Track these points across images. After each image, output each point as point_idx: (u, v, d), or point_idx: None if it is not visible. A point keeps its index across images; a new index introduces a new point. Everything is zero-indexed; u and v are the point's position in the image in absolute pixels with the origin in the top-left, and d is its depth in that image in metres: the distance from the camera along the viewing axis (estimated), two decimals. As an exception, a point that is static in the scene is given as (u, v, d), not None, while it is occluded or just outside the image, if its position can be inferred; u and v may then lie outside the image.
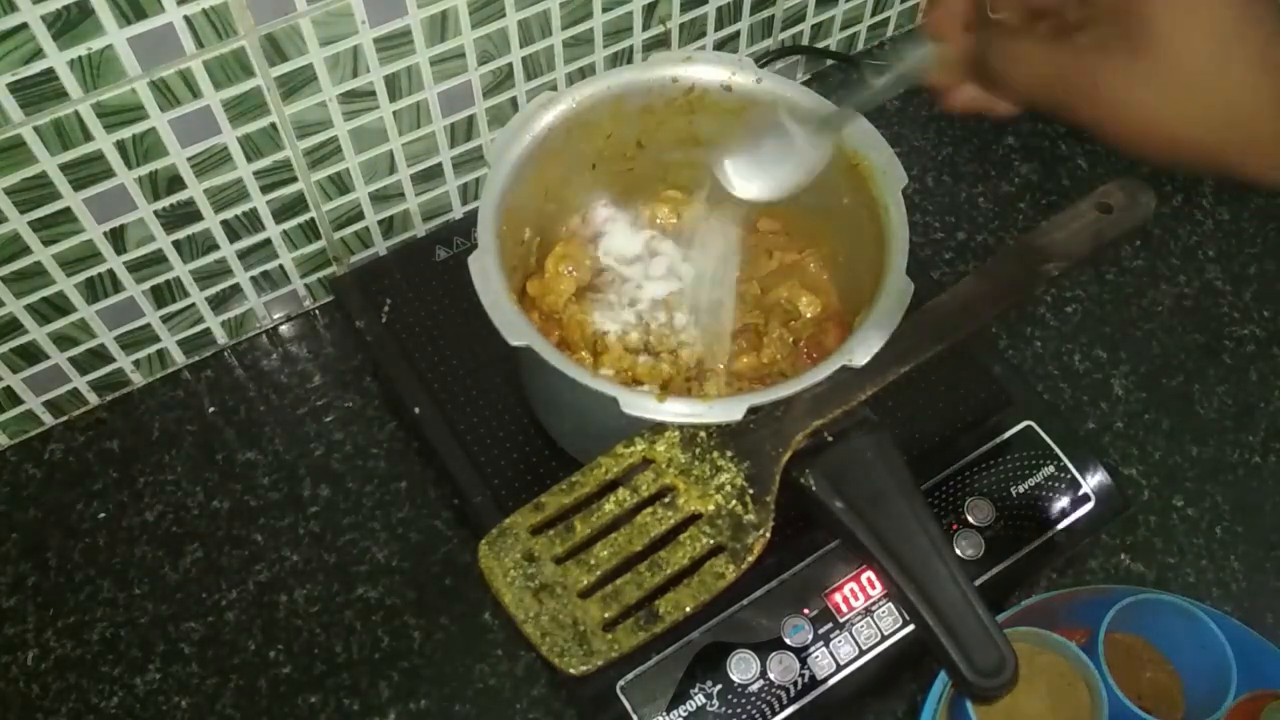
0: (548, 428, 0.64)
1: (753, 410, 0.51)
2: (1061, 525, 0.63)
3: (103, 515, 0.68)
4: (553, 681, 0.62)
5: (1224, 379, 0.75)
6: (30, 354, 0.66)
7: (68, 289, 0.64)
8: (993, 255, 0.73)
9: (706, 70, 0.60)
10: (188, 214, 0.64)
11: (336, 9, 0.59)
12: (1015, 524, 0.62)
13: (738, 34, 0.80)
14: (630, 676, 0.57)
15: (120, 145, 0.58)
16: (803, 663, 0.58)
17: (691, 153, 0.65)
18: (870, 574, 0.60)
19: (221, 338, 0.74)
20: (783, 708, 0.57)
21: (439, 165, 0.73)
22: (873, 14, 0.88)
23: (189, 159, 0.61)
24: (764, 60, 0.83)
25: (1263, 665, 0.59)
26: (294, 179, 0.67)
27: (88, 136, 0.57)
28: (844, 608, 0.59)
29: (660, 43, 0.75)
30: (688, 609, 0.48)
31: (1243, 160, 0.37)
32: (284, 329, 0.75)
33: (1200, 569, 0.68)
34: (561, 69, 0.72)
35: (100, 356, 0.69)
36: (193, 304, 0.70)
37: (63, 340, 0.66)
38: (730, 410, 0.50)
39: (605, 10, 0.70)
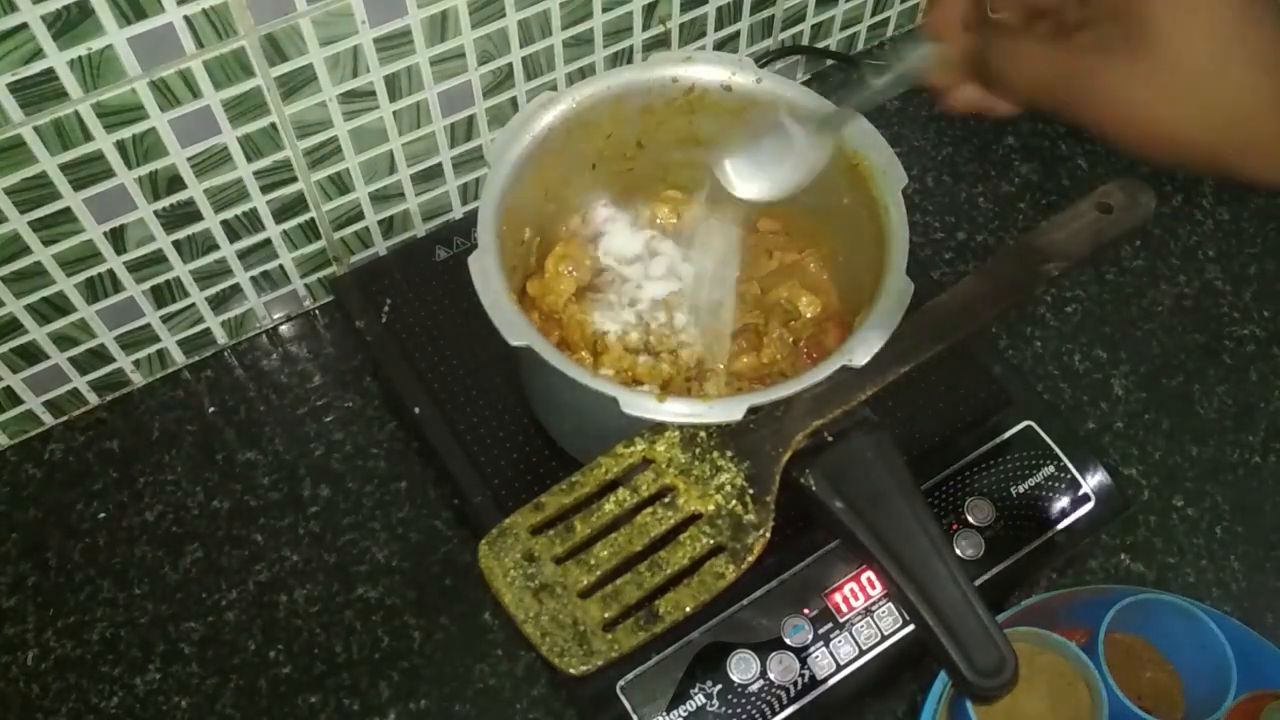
0: (548, 428, 0.64)
1: (753, 410, 0.51)
2: (1061, 525, 0.63)
3: (103, 515, 0.68)
4: (553, 681, 0.62)
5: (1224, 379, 0.75)
6: (30, 354, 0.66)
7: (68, 289, 0.64)
8: (993, 255, 0.73)
9: (706, 70, 0.60)
10: (188, 214, 0.64)
11: (336, 9, 0.59)
12: (1015, 524, 0.62)
13: (738, 34, 0.80)
14: (630, 676, 0.57)
15: (120, 145, 0.58)
16: (803, 663, 0.58)
17: (691, 153, 0.65)
18: (870, 574, 0.60)
19: (221, 338, 0.74)
20: (783, 708, 0.57)
21: (439, 165, 0.73)
22: (873, 14, 0.88)
23: (189, 159, 0.61)
24: (764, 60, 0.83)
25: (1263, 665, 0.59)
26: (294, 179, 0.67)
27: (88, 136, 0.57)
28: (844, 608, 0.59)
29: (660, 43, 0.75)
30: (688, 609, 0.48)
31: (1243, 161, 0.37)
32: (284, 329, 0.75)
33: (1200, 569, 0.68)
34: (561, 69, 0.72)
35: (100, 356, 0.69)
36: (193, 304, 0.70)
37: (63, 340, 0.66)
38: (730, 410, 0.50)
39: (605, 10, 0.70)
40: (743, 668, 0.58)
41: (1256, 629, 0.60)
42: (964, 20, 0.43)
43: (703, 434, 0.51)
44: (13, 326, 0.64)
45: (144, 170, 0.60)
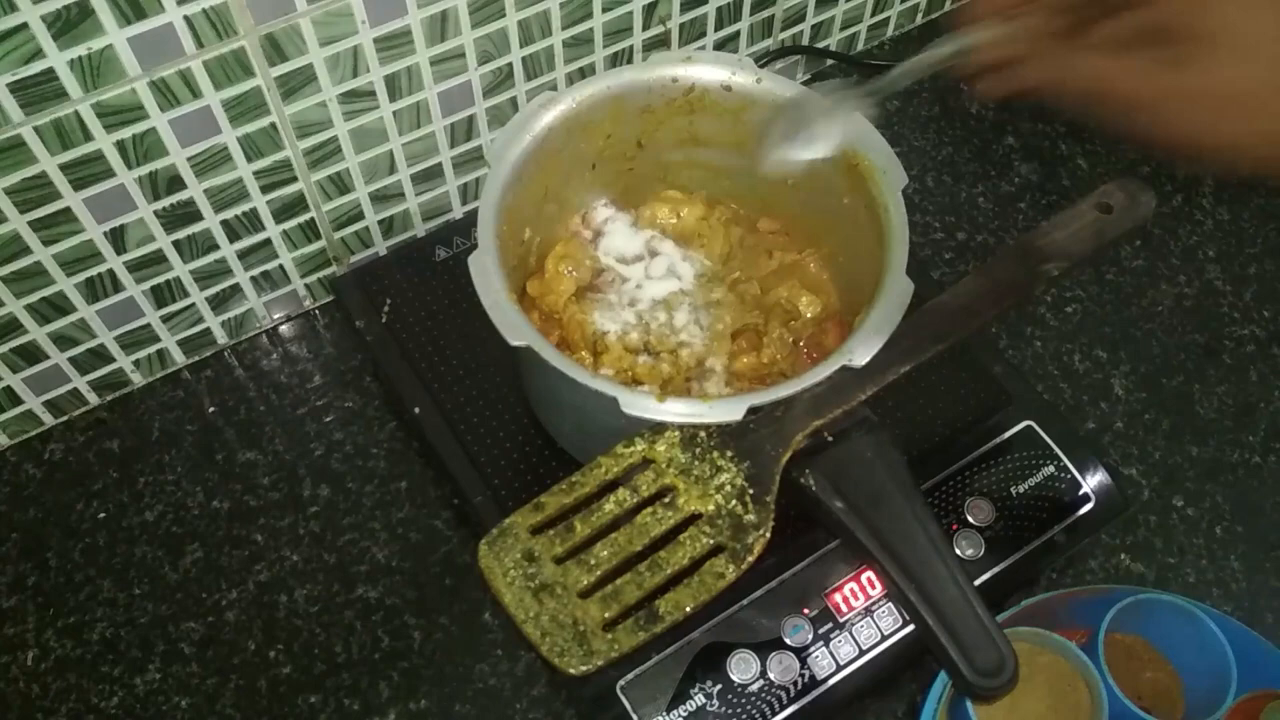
0: (548, 428, 0.64)
1: (753, 410, 0.51)
2: (1061, 525, 0.63)
3: (103, 515, 0.68)
4: (553, 681, 0.62)
5: (1224, 379, 0.75)
6: (30, 354, 0.66)
7: (68, 289, 0.64)
8: (993, 255, 0.73)
9: (706, 70, 0.60)
10: (188, 214, 0.64)
11: (336, 9, 0.59)
12: (1015, 524, 0.62)
13: (738, 34, 0.80)
14: (630, 676, 0.57)
15: (120, 145, 0.58)
16: (803, 663, 0.58)
17: (691, 153, 0.65)
18: (870, 574, 0.60)
19: (221, 338, 0.74)
20: (783, 708, 0.57)
21: (439, 165, 0.73)
22: (873, 14, 0.88)
23: (189, 159, 0.61)
24: (764, 60, 0.83)
25: (1263, 665, 0.59)
26: (294, 179, 0.67)
27: (88, 136, 0.57)
28: (844, 608, 0.59)
29: (660, 43, 0.75)
30: (688, 609, 0.48)
31: None
32: (284, 329, 0.75)
33: (1200, 569, 0.68)
34: (561, 69, 0.72)
35: (100, 356, 0.69)
36: (193, 304, 0.70)
37: (63, 340, 0.66)
38: (730, 410, 0.50)
39: (605, 10, 0.70)
40: (743, 668, 0.58)
41: (1256, 629, 0.60)
42: (1007, 5, 0.42)
43: (703, 434, 0.51)
44: (13, 326, 0.64)
45: (144, 170, 0.60)
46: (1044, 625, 0.59)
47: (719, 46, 0.80)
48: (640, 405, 0.50)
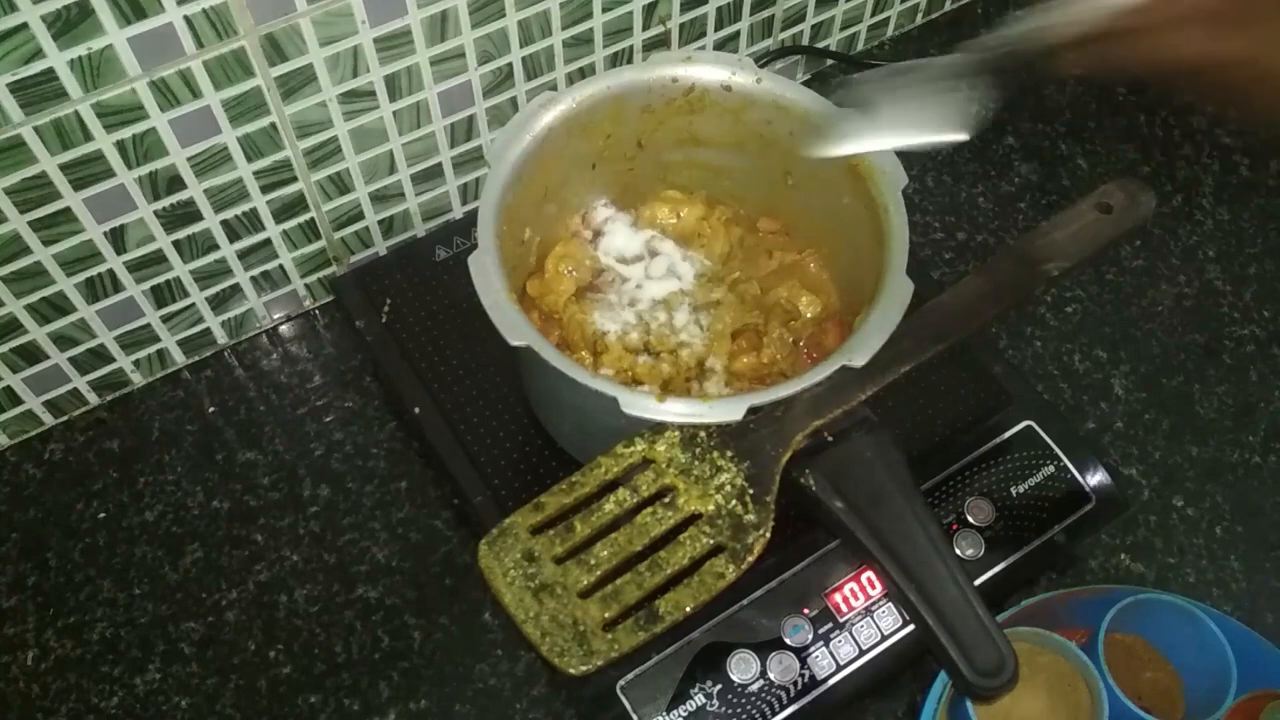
0: (548, 428, 0.64)
1: (753, 410, 0.51)
2: (1061, 525, 0.63)
3: (103, 515, 0.68)
4: (553, 681, 0.62)
5: (1224, 379, 0.75)
6: (30, 354, 0.66)
7: (68, 289, 0.64)
8: (993, 255, 0.73)
9: (706, 70, 0.60)
10: (188, 214, 0.64)
11: (336, 9, 0.59)
12: (1015, 524, 0.62)
13: (738, 34, 0.80)
14: (630, 676, 0.57)
15: (120, 145, 0.58)
16: (803, 663, 0.58)
17: (691, 153, 0.65)
18: (870, 574, 0.60)
19: (221, 338, 0.74)
20: (783, 708, 0.57)
21: (439, 165, 0.73)
22: (873, 14, 0.88)
23: (189, 159, 0.61)
24: (764, 60, 0.83)
25: (1263, 665, 0.59)
26: (294, 179, 0.67)
27: (88, 136, 0.57)
28: (844, 608, 0.59)
29: (660, 43, 0.75)
30: (688, 609, 0.48)
31: None
32: (284, 329, 0.75)
33: (1200, 569, 0.68)
34: (561, 69, 0.72)
35: (100, 356, 0.69)
36: (193, 304, 0.70)
37: (63, 340, 0.66)
38: (730, 410, 0.50)
39: (605, 10, 0.70)
40: (743, 668, 0.57)
41: (1256, 629, 0.60)
42: None
43: (703, 434, 0.51)
44: (13, 326, 0.64)
45: (144, 170, 0.60)
46: (1044, 625, 0.59)
47: (719, 46, 0.80)
48: (640, 405, 0.50)
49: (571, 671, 0.46)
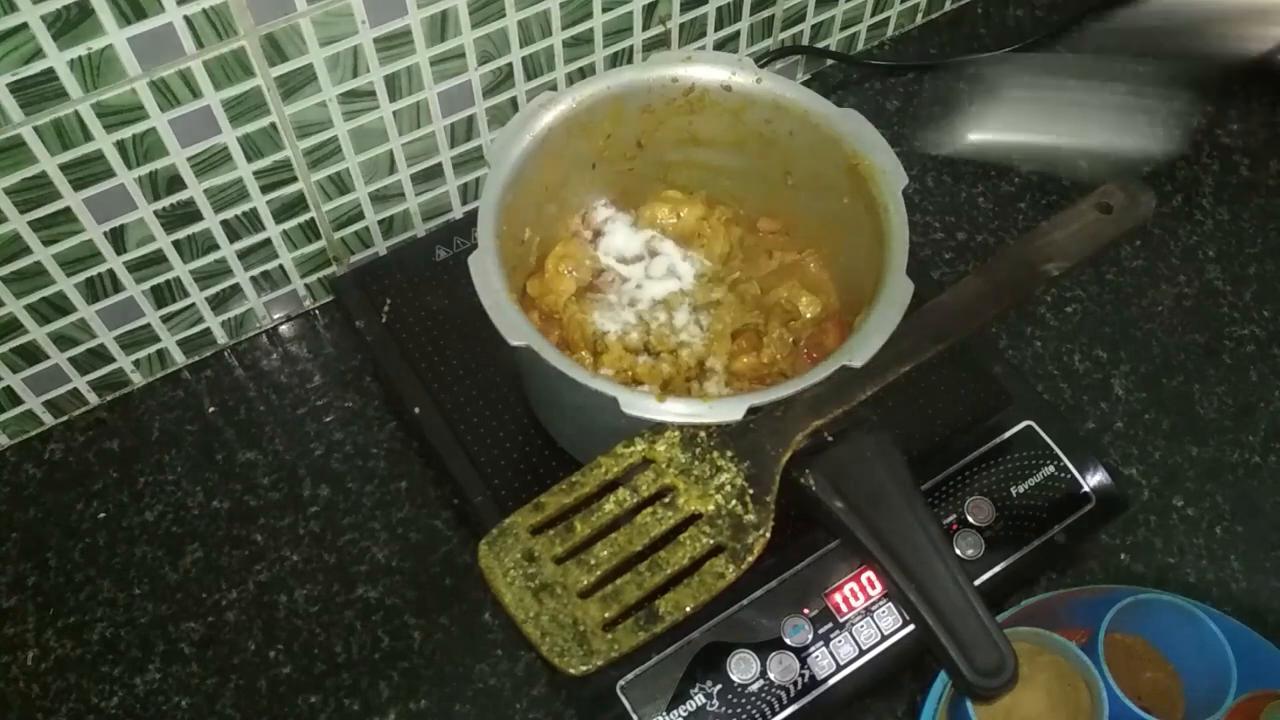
0: (548, 428, 0.64)
1: (753, 410, 0.51)
2: (1061, 525, 0.63)
3: (103, 515, 0.68)
4: (553, 681, 0.62)
5: (1224, 379, 0.75)
6: (30, 354, 0.66)
7: (68, 289, 0.64)
8: (993, 255, 0.73)
9: (706, 70, 0.60)
10: (188, 214, 0.64)
11: (336, 9, 0.59)
12: (1015, 524, 0.62)
13: (738, 34, 0.80)
14: (630, 676, 0.57)
15: (120, 145, 0.58)
16: (803, 663, 0.58)
17: (691, 153, 0.65)
18: (870, 574, 0.60)
19: (221, 338, 0.74)
20: (783, 708, 0.57)
21: (439, 165, 0.73)
22: (873, 14, 0.88)
23: (189, 159, 0.61)
24: (764, 60, 0.83)
25: (1263, 665, 0.59)
26: (294, 179, 0.67)
27: (88, 136, 0.57)
28: (844, 608, 0.59)
29: (660, 43, 0.75)
30: (688, 609, 0.48)
31: None
32: (284, 329, 0.75)
33: (1200, 569, 0.68)
34: (561, 69, 0.72)
35: (100, 356, 0.69)
36: (193, 304, 0.70)
37: (63, 340, 0.66)
38: (730, 410, 0.50)
39: (605, 10, 0.70)
40: (743, 668, 0.57)
41: (1256, 629, 0.60)
42: None
43: (703, 434, 0.51)
44: (13, 326, 0.64)
45: (144, 170, 0.60)
46: (1044, 625, 0.59)
47: (719, 46, 0.80)
48: (640, 405, 0.50)
49: (571, 671, 0.46)
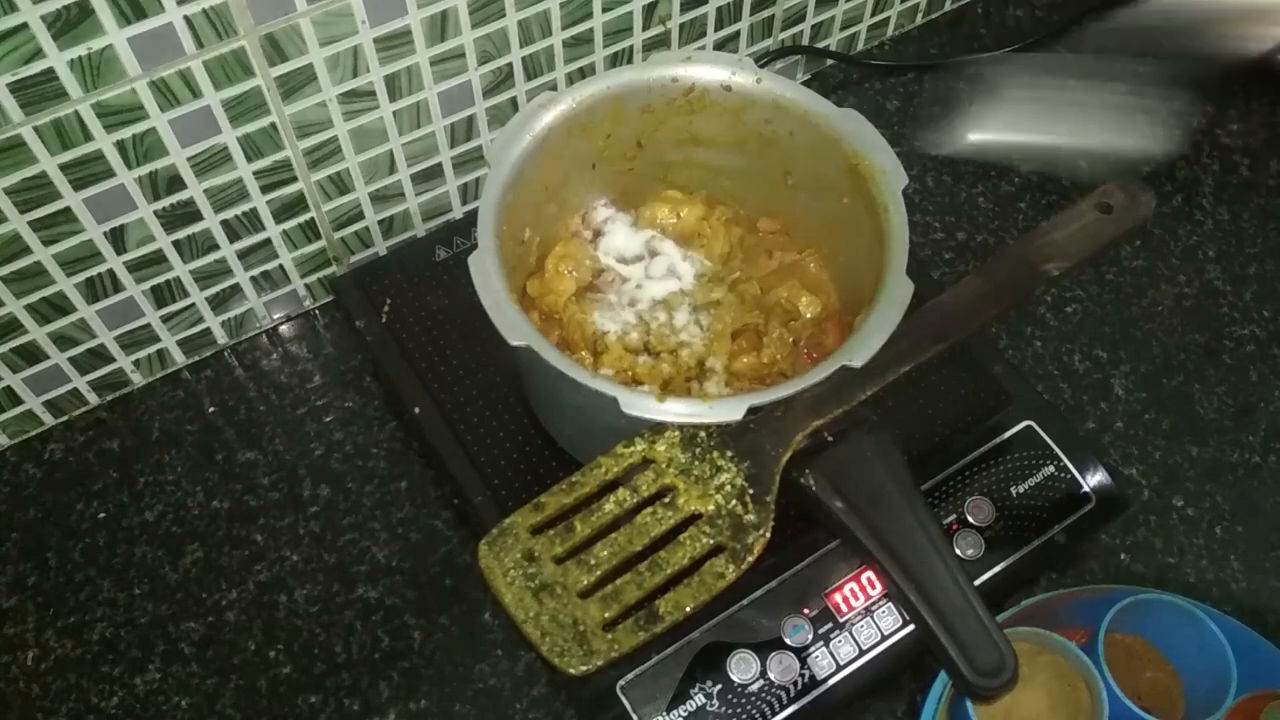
0: (548, 428, 0.64)
1: (753, 410, 0.51)
2: (1061, 525, 0.63)
3: (103, 515, 0.68)
4: (553, 681, 0.62)
5: (1224, 379, 0.75)
6: (30, 354, 0.66)
7: (68, 289, 0.64)
8: (993, 255, 0.72)
9: (706, 70, 0.60)
10: (188, 214, 0.64)
11: (336, 9, 0.59)
12: (1015, 524, 0.62)
13: (738, 34, 0.80)
14: (630, 676, 0.57)
15: (120, 145, 0.58)
16: (803, 663, 0.58)
17: (691, 153, 0.65)
18: (870, 574, 0.60)
19: (221, 338, 0.74)
20: (783, 708, 0.57)
21: (439, 165, 0.73)
22: (873, 14, 0.88)
23: (189, 159, 0.61)
24: (764, 60, 0.83)
25: (1263, 665, 0.59)
26: (294, 179, 0.67)
27: (88, 136, 0.57)
28: (844, 608, 0.59)
29: (660, 43, 0.75)
30: (688, 609, 0.48)
31: None
32: (284, 329, 0.75)
33: (1200, 569, 0.68)
34: (561, 69, 0.72)
35: (100, 356, 0.69)
36: (193, 304, 0.70)
37: (63, 340, 0.66)
38: (730, 410, 0.50)
39: (605, 10, 0.70)
40: (743, 668, 0.57)
41: (1256, 629, 0.60)
42: None
43: (703, 434, 0.51)
44: (13, 326, 0.64)
45: (144, 170, 0.60)
46: (1044, 625, 0.59)
47: (719, 46, 0.80)
48: (640, 405, 0.50)
49: (571, 671, 0.46)
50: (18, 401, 0.68)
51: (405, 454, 0.70)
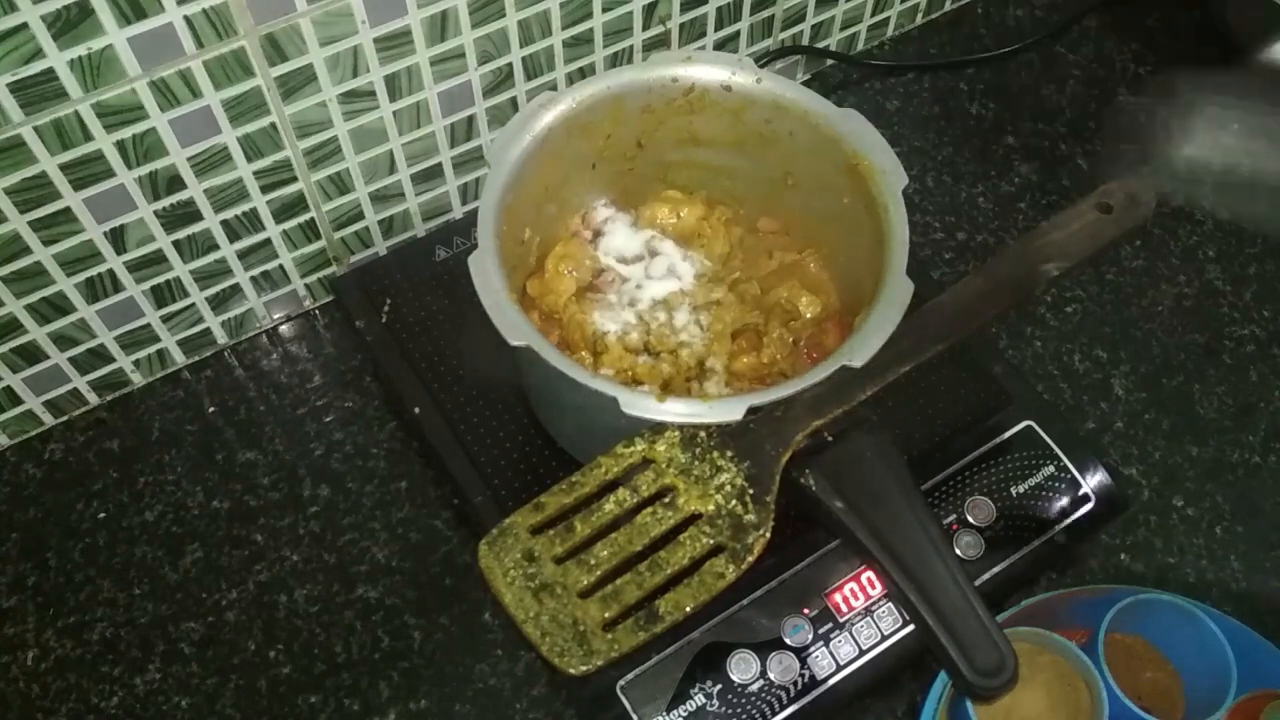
0: (548, 428, 0.64)
1: (753, 410, 0.51)
2: (1061, 525, 0.63)
3: (103, 515, 0.68)
4: (553, 681, 0.62)
5: (1224, 379, 0.75)
6: (30, 354, 0.66)
7: (68, 289, 0.64)
8: (993, 255, 0.72)
9: (706, 70, 0.60)
10: (188, 214, 0.64)
11: (336, 9, 0.59)
12: (1015, 524, 0.62)
13: (738, 34, 0.80)
14: (630, 676, 0.57)
15: (120, 145, 0.58)
16: (803, 663, 0.58)
17: (691, 153, 0.65)
18: (870, 574, 0.60)
19: (221, 338, 0.74)
20: (783, 708, 0.57)
21: (439, 165, 0.73)
22: (873, 14, 0.88)
23: (189, 159, 0.61)
24: (764, 60, 0.83)
25: (1263, 665, 0.59)
26: (294, 179, 0.67)
27: (88, 136, 0.57)
28: (844, 608, 0.59)
29: (660, 43, 0.75)
30: (688, 609, 0.48)
31: None
32: (284, 329, 0.75)
33: (1200, 569, 0.68)
34: (561, 69, 0.72)
35: (100, 356, 0.69)
36: (193, 304, 0.70)
37: (63, 340, 0.66)
38: (730, 410, 0.50)
39: (605, 10, 0.70)
40: (743, 668, 0.58)
41: (1256, 629, 0.60)
42: None
43: (703, 434, 0.51)
44: (13, 326, 0.64)
45: (144, 170, 0.60)
46: (1044, 625, 0.59)
47: (719, 46, 0.80)
48: (640, 405, 0.50)
49: (571, 671, 0.46)
50: (18, 401, 0.68)
51: (405, 454, 0.70)
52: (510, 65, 0.69)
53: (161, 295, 0.68)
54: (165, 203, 0.63)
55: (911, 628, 0.59)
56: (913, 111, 0.87)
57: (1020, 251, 0.58)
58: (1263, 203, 0.48)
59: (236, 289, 0.71)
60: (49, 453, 0.70)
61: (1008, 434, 0.65)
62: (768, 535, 0.49)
